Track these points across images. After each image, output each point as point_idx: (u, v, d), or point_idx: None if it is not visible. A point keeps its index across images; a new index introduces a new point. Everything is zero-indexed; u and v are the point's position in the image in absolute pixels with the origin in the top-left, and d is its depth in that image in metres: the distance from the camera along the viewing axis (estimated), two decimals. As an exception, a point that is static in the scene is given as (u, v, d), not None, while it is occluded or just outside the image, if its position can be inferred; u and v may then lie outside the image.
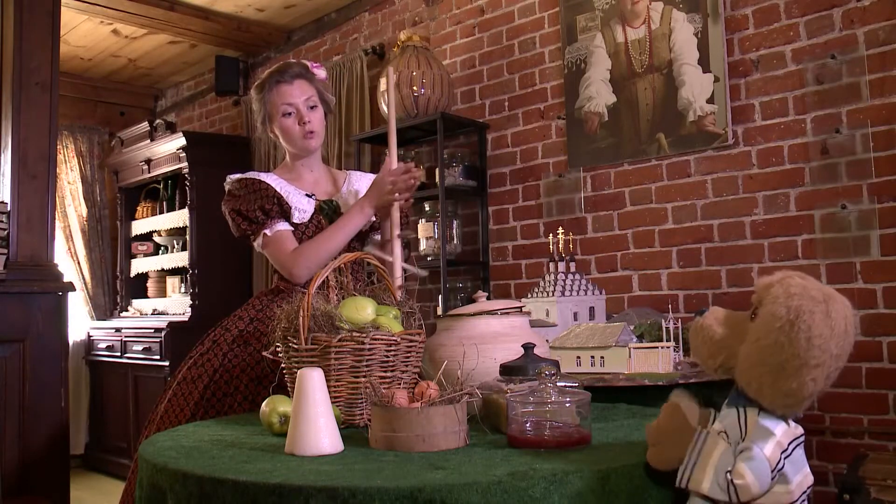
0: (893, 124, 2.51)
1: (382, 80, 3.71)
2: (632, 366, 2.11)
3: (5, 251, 2.65)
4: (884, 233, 2.51)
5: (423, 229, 3.61)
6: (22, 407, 2.65)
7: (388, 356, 1.40)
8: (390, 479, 0.97)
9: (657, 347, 2.11)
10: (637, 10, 3.14)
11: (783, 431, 0.95)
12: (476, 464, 1.05)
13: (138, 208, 5.42)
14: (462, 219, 3.73)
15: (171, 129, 5.02)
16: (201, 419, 1.82)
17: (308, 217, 2.02)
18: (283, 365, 1.48)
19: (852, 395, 2.54)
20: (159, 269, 5.19)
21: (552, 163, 3.43)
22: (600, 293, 2.76)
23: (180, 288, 5.04)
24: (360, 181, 2.18)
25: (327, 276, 1.50)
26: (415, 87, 3.51)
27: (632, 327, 2.35)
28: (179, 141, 4.71)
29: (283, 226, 1.99)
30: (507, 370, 1.38)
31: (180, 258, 4.91)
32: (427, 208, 3.69)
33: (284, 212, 1.99)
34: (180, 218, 4.90)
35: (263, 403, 1.38)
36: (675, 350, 2.19)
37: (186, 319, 4.56)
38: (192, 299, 4.63)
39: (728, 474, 0.94)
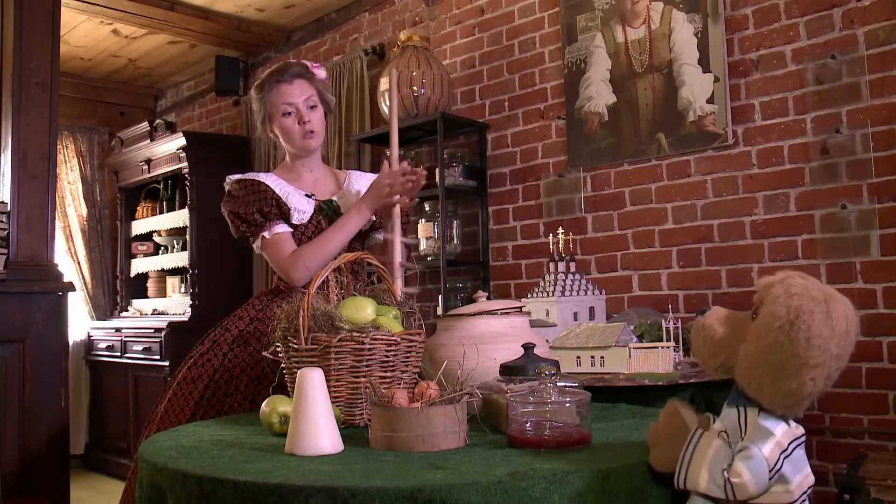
0: (893, 124, 2.51)
1: (383, 80, 3.71)
2: (632, 366, 2.11)
3: (5, 251, 2.65)
4: (884, 233, 2.51)
5: (423, 229, 3.61)
6: (22, 407, 2.65)
7: (388, 356, 1.40)
8: (390, 479, 0.97)
9: (657, 347, 2.11)
10: (637, 10, 3.14)
11: (783, 432, 0.95)
12: (476, 464, 1.05)
13: (138, 208, 5.42)
14: (462, 219, 3.73)
15: (171, 129, 5.02)
16: (201, 419, 1.82)
17: (307, 218, 2.02)
18: (283, 365, 1.48)
19: (852, 395, 2.54)
20: (159, 269, 5.19)
21: (552, 163, 3.43)
22: (600, 293, 2.76)
23: (180, 288, 5.04)
24: (360, 181, 2.18)
25: (327, 276, 1.50)
26: (415, 87, 3.51)
27: (632, 327, 2.35)
28: (179, 141, 4.71)
29: (281, 228, 1.99)
30: (507, 370, 1.38)
31: (180, 258, 4.91)
32: (427, 208, 3.69)
33: (283, 213, 1.99)
34: (180, 218, 4.90)
35: (263, 403, 1.38)
36: (675, 350, 2.19)
37: (186, 319, 4.55)
38: (192, 299, 4.63)
39: (725, 472, 0.95)
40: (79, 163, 5.51)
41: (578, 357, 2.21)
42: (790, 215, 2.72)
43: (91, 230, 5.48)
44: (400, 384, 1.41)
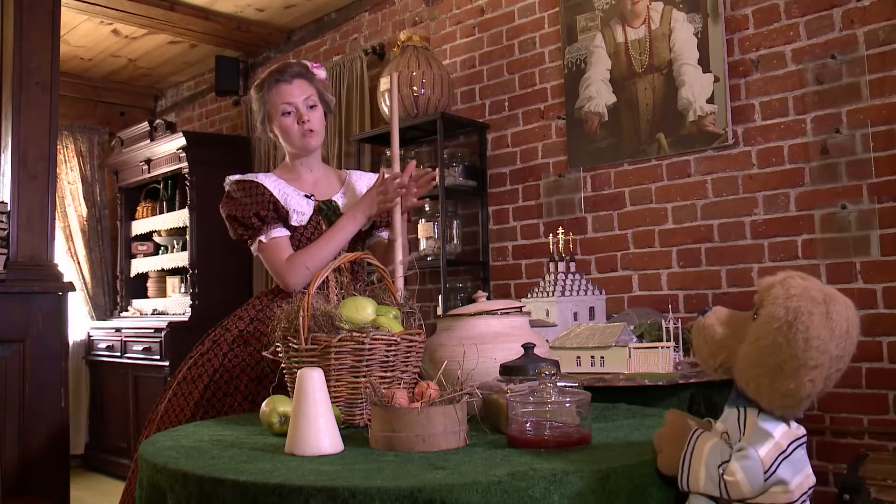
0: (893, 124, 2.51)
1: (383, 80, 3.71)
2: (632, 366, 2.11)
3: (5, 251, 2.65)
4: (884, 233, 2.51)
5: (423, 229, 3.61)
6: (22, 407, 2.65)
7: (388, 356, 1.40)
8: (390, 479, 0.97)
9: (657, 347, 2.11)
10: (637, 10, 3.14)
11: (783, 433, 0.95)
12: (476, 464, 1.05)
13: (138, 208, 5.42)
14: (462, 219, 3.73)
15: (171, 129, 5.02)
16: (201, 419, 1.82)
17: (306, 219, 2.02)
18: (283, 365, 1.48)
19: (852, 395, 2.54)
20: (159, 269, 5.19)
21: (552, 163, 3.43)
22: (600, 293, 2.76)
23: (180, 288, 5.04)
24: (361, 180, 2.18)
25: (327, 276, 1.50)
26: (415, 87, 3.51)
27: (632, 327, 2.35)
28: (179, 141, 4.71)
29: (278, 232, 1.99)
30: (507, 370, 1.38)
31: (180, 258, 4.91)
32: (427, 208, 3.69)
33: (281, 216, 1.99)
34: (180, 218, 4.90)
35: (263, 403, 1.38)
36: (675, 350, 2.19)
37: (186, 319, 4.55)
38: (192, 299, 4.63)
39: (721, 468, 0.95)
40: (79, 163, 5.51)
41: (578, 357, 2.21)
42: (790, 215, 2.72)
43: (91, 230, 5.48)
44: (400, 384, 1.41)
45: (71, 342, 4.46)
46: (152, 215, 5.28)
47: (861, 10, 2.59)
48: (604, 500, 0.97)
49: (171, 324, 4.51)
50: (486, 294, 1.76)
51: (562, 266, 2.72)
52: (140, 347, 4.70)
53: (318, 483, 0.96)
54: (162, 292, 5.23)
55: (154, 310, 5.15)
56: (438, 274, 3.50)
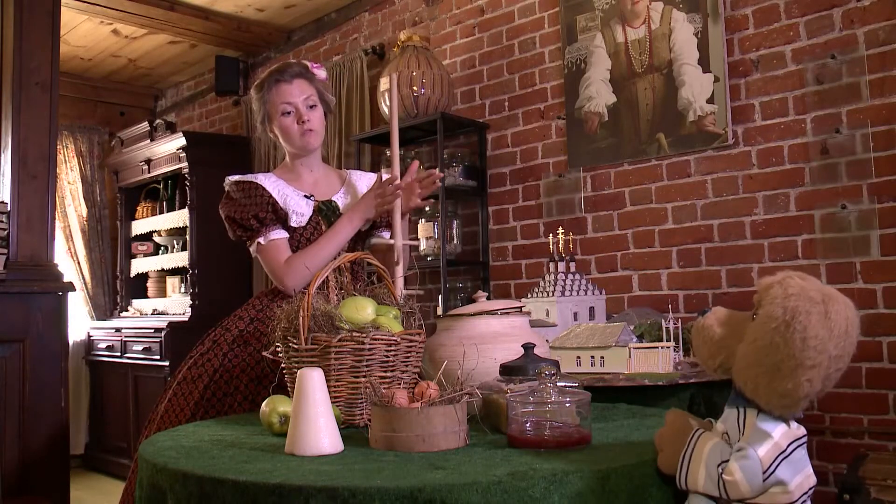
0: (893, 124, 2.51)
1: (383, 80, 3.71)
2: (632, 366, 2.11)
3: (5, 251, 2.65)
4: (884, 233, 2.51)
5: (423, 229, 3.61)
6: (22, 407, 2.65)
7: (388, 356, 1.40)
8: (390, 479, 0.97)
9: (657, 347, 2.11)
10: (637, 10, 3.14)
11: (782, 433, 0.95)
12: (476, 464, 1.05)
13: (138, 208, 5.42)
14: (462, 219, 3.73)
15: (171, 129, 5.02)
16: (201, 419, 1.82)
17: (306, 220, 2.02)
18: (283, 365, 1.48)
19: (852, 395, 2.54)
20: (159, 269, 5.19)
21: (552, 163, 3.43)
22: (600, 293, 2.76)
23: (180, 288, 5.04)
24: (361, 180, 2.18)
25: (327, 276, 1.50)
26: (415, 87, 3.52)
27: (632, 327, 2.35)
28: (179, 141, 4.71)
29: (276, 234, 1.99)
30: (507, 370, 1.38)
31: (180, 258, 4.91)
32: (427, 208, 3.69)
33: (280, 218, 1.99)
34: (180, 218, 4.90)
35: (263, 403, 1.38)
36: (675, 350, 2.19)
37: (186, 319, 4.55)
38: (192, 299, 4.63)
39: (720, 467, 0.95)
40: (79, 163, 5.51)
41: (578, 357, 2.21)
42: (790, 215, 2.72)
43: (91, 230, 5.48)
44: (400, 384, 1.41)
45: (71, 342, 4.46)
46: (152, 215, 5.28)
47: (861, 10, 2.59)
48: (604, 500, 0.97)
49: (171, 324, 4.51)
50: (486, 294, 1.76)
51: (562, 266, 2.72)
52: (140, 347, 4.70)
53: (318, 483, 0.96)
54: (162, 292, 5.23)
55: (154, 310, 5.15)
56: (438, 274, 3.50)
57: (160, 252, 5.24)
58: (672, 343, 2.16)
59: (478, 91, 3.75)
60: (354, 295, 1.52)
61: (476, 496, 0.92)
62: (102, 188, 5.62)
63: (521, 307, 1.62)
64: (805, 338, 0.90)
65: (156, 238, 5.28)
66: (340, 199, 2.11)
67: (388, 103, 3.61)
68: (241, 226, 2.00)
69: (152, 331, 4.62)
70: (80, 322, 5.26)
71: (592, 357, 2.18)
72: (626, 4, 3.17)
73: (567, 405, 1.17)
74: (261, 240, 1.99)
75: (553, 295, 2.60)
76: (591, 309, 2.70)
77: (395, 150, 2.00)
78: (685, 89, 2.96)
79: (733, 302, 2.81)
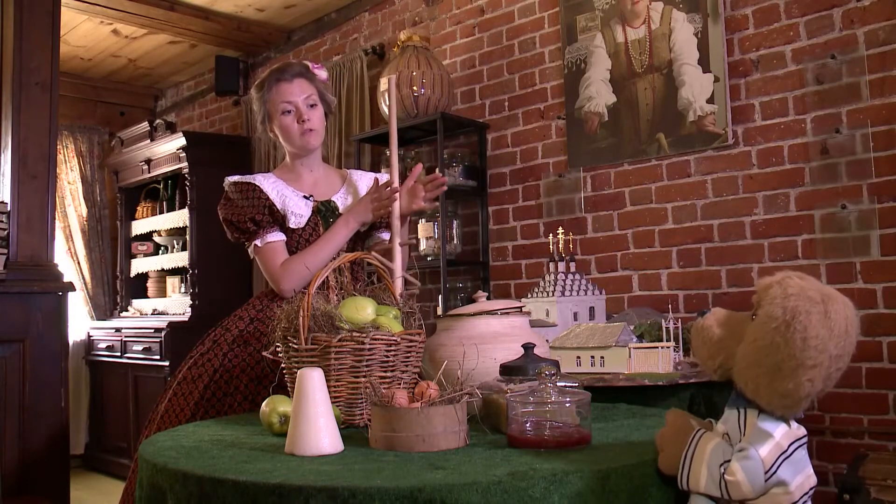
0: (893, 124, 2.51)
1: (383, 80, 3.71)
2: (632, 366, 2.11)
3: (5, 251, 2.65)
4: (884, 233, 2.51)
5: (423, 229, 3.61)
6: (22, 407, 2.65)
7: (388, 356, 1.40)
8: (390, 479, 0.97)
9: (657, 347, 2.11)
10: (637, 10, 3.14)
11: (783, 433, 0.95)
12: (476, 464, 1.05)
13: (138, 208, 5.43)
14: (462, 219, 3.73)
15: (171, 129, 5.02)
16: (201, 419, 1.82)
17: (304, 221, 2.02)
18: (283, 365, 1.48)
19: (852, 395, 2.54)
20: (159, 269, 5.19)
21: (552, 163, 3.43)
22: (600, 293, 2.76)
23: (180, 288, 5.04)
24: (361, 180, 2.18)
25: (327, 276, 1.50)
26: (415, 87, 3.52)
27: (632, 327, 2.35)
28: (179, 141, 4.71)
29: (273, 237, 1.99)
30: (507, 370, 1.38)
31: (180, 258, 4.91)
32: (428, 209, 3.69)
33: (277, 220, 2.00)
34: (180, 218, 4.90)
35: (263, 403, 1.38)
36: (675, 350, 2.19)
37: (186, 319, 4.56)
38: (192, 299, 4.63)
39: (722, 468, 0.95)
40: (79, 163, 5.51)
41: (578, 357, 2.21)
42: (790, 215, 2.72)
43: (91, 230, 5.48)
44: (400, 384, 1.41)
45: (71, 342, 4.47)
46: (152, 215, 5.28)
47: (861, 10, 2.59)
48: (604, 500, 0.97)
49: (171, 324, 4.51)
50: (486, 294, 1.76)
51: (562, 266, 2.72)
52: (140, 347, 4.70)
53: (318, 483, 0.96)
54: (162, 292, 5.23)
55: (154, 310, 5.15)
56: (438, 274, 3.50)
57: (160, 252, 5.24)
58: (672, 343, 2.16)
59: (478, 91, 3.75)
60: (354, 295, 1.52)
61: (476, 496, 0.92)
62: (102, 188, 5.62)
63: (521, 307, 1.62)
64: (805, 337, 0.90)
65: (156, 238, 5.28)
66: (341, 199, 2.11)
67: (388, 103, 3.60)
68: (239, 228, 2.00)
69: (152, 331, 4.62)
70: (80, 322, 5.26)
71: (592, 357, 2.18)
72: (626, 4, 3.17)
73: (567, 405, 1.17)
74: (258, 242, 1.99)
75: (553, 295, 2.60)
76: (591, 309, 2.70)
77: (394, 154, 1.99)
78: (685, 89, 2.96)
79: (733, 302, 2.81)
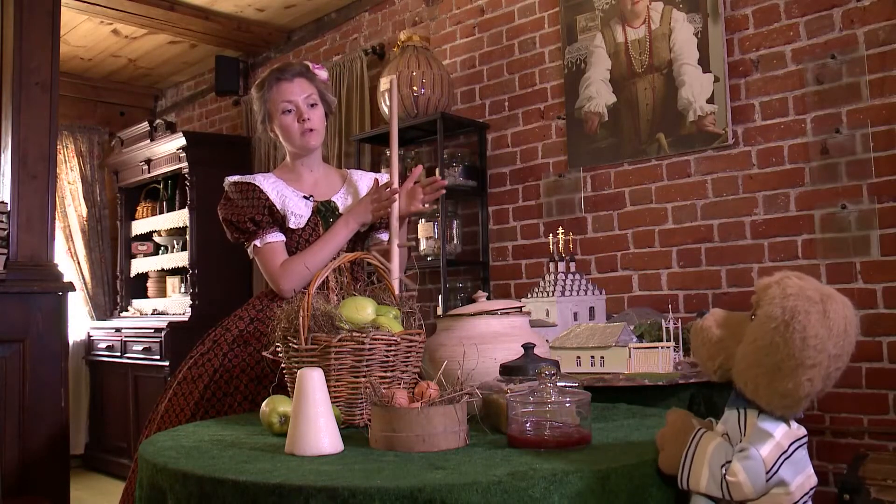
0: (893, 124, 2.51)
1: (383, 80, 3.71)
2: (632, 366, 2.11)
3: (5, 251, 2.65)
4: (884, 233, 2.51)
5: (423, 229, 3.61)
6: (22, 407, 2.65)
7: (388, 356, 1.40)
8: (390, 479, 0.97)
9: (657, 347, 2.11)
10: (637, 10, 3.14)
11: (783, 433, 0.95)
12: (476, 464, 1.05)
13: (138, 208, 5.43)
14: (462, 219, 3.73)
15: (171, 129, 5.02)
16: (201, 419, 1.82)
17: (304, 221, 2.02)
18: (283, 365, 1.48)
19: (852, 395, 2.54)
20: (159, 269, 5.19)
21: (552, 163, 3.43)
22: (600, 293, 2.76)
23: (180, 288, 5.04)
24: (361, 180, 2.18)
25: (327, 276, 1.50)
26: (415, 87, 3.52)
27: (632, 327, 2.35)
28: (179, 141, 4.71)
29: (273, 237, 2.00)
30: (507, 370, 1.38)
31: (180, 258, 4.92)
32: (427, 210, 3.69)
33: (277, 220, 2.00)
34: (180, 218, 4.90)
35: (263, 403, 1.38)
36: (675, 350, 2.19)
37: (186, 319, 4.56)
38: (192, 299, 4.63)
39: (723, 468, 0.95)
40: (79, 163, 5.51)
41: (578, 357, 2.21)
42: (790, 215, 2.72)
43: (91, 230, 5.48)
44: (400, 384, 1.41)
45: (71, 342, 4.47)
46: (152, 215, 5.28)
47: (861, 10, 2.59)
48: (604, 500, 0.97)
49: (171, 324, 4.51)
50: (486, 294, 1.76)
51: (562, 266, 2.72)
52: (140, 347, 4.70)
53: (318, 483, 0.96)
54: (162, 292, 5.23)
55: (154, 310, 5.15)
56: (438, 274, 3.50)
57: (160, 252, 5.24)
58: (672, 343, 2.16)
59: (478, 91, 3.75)
60: (354, 295, 1.52)
61: (476, 496, 0.92)
62: (102, 188, 5.62)
63: (521, 307, 1.62)
64: (805, 337, 0.90)
65: (156, 238, 5.28)
66: (341, 199, 2.11)
67: (388, 103, 3.61)
68: (238, 228, 2.00)
69: (152, 331, 4.62)
70: (80, 322, 5.26)
71: (592, 357, 2.18)
72: (626, 4, 3.17)
73: (567, 405, 1.17)
74: (257, 242, 1.99)
75: (553, 295, 2.60)
76: (591, 309, 2.70)
77: (395, 155, 1.99)
78: (685, 89, 2.96)
79: (733, 302, 2.81)
